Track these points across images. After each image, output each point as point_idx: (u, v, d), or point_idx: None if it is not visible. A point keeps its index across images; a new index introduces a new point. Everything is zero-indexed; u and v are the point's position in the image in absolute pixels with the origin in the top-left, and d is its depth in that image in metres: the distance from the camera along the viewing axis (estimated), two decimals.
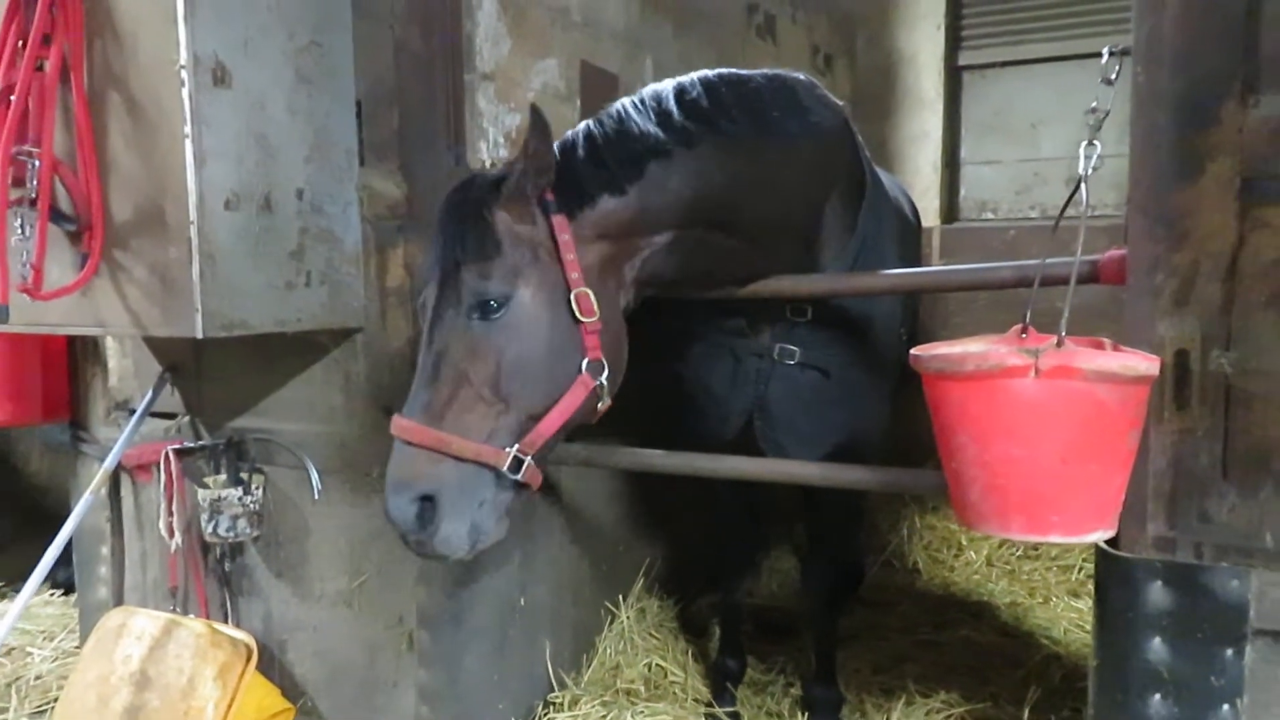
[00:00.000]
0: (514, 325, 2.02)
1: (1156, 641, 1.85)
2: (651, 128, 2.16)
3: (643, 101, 2.22)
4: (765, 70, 2.39)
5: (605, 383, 2.12)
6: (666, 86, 2.25)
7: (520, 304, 2.03)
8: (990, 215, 6.37)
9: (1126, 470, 1.75)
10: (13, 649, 3.56)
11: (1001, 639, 3.77)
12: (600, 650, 3.37)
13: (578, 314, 2.06)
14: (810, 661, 3.20)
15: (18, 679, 3.46)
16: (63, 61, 2.33)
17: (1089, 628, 3.74)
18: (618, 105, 2.24)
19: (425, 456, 2.00)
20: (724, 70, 2.32)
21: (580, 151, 2.16)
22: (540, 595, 3.13)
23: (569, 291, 2.07)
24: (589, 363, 2.09)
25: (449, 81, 2.67)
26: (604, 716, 2.94)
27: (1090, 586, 4.11)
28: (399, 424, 2.03)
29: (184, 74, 2.26)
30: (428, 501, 2.00)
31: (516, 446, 2.03)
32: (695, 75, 2.28)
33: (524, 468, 2.04)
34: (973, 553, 4.61)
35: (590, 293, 2.07)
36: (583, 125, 2.23)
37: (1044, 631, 3.82)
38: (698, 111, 2.20)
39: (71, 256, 2.45)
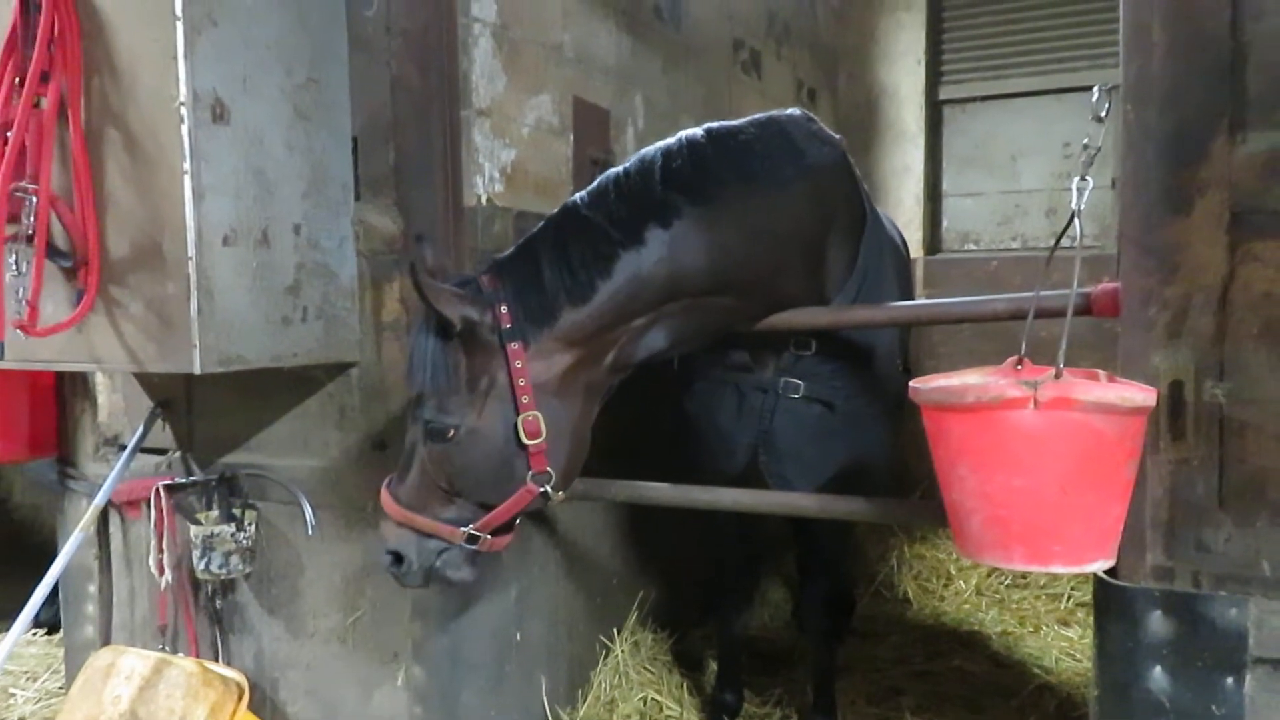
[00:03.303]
0: (461, 446, 2.21)
1: (1157, 671, 1.87)
2: (625, 212, 2.22)
3: (628, 174, 2.29)
4: (758, 116, 2.43)
5: (551, 489, 2.25)
6: (655, 153, 2.31)
7: (467, 431, 2.20)
8: (972, 246, 6.46)
9: (1125, 500, 1.77)
10: None
11: (994, 668, 3.78)
12: (595, 685, 3.35)
13: (523, 438, 2.18)
14: (807, 693, 3.19)
15: None
16: (61, 98, 2.33)
17: (1080, 656, 3.78)
18: (602, 181, 2.30)
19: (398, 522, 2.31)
20: (714, 126, 2.37)
21: (545, 259, 2.22)
22: (536, 630, 3.11)
23: (517, 416, 2.17)
24: (533, 474, 2.23)
25: (445, 117, 2.69)
26: None
27: (1080, 615, 4.16)
28: (382, 494, 2.32)
29: (183, 110, 2.26)
30: (396, 554, 2.31)
31: (471, 526, 2.25)
32: (685, 136, 2.33)
33: (479, 542, 2.27)
34: (962, 582, 4.62)
35: (539, 415, 2.18)
36: (555, 214, 2.30)
37: (1035, 660, 3.83)
38: (680, 182, 2.25)
39: (67, 292, 2.43)
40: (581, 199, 2.29)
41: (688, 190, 2.24)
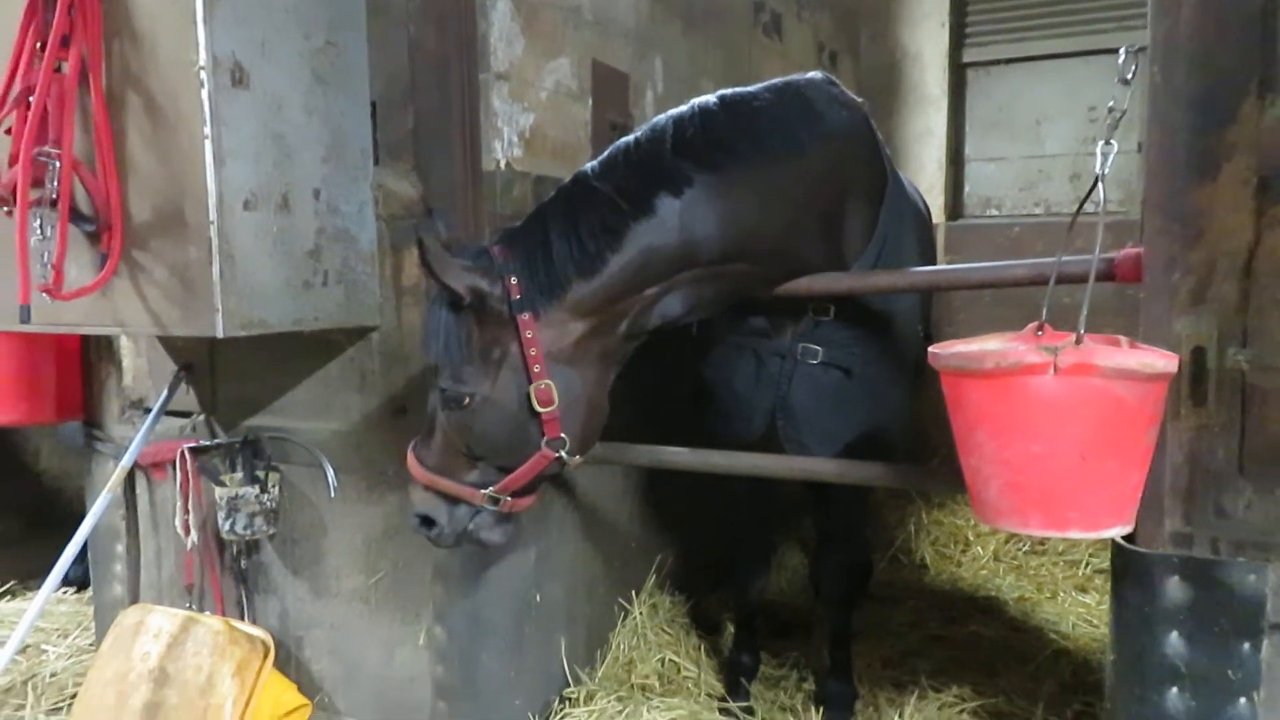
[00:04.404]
0: (477, 414, 2.26)
1: (1174, 636, 1.87)
2: (635, 182, 2.22)
3: (638, 144, 2.29)
4: (775, 81, 2.41)
5: (566, 454, 2.29)
6: (667, 121, 2.31)
7: (481, 400, 2.25)
8: (995, 212, 6.39)
9: (1144, 466, 1.76)
10: (28, 646, 3.57)
11: (1010, 634, 3.79)
12: (614, 646, 3.39)
13: (536, 406, 2.22)
14: (823, 657, 3.22)
15: (33, 676, 3.47)
16: (81, 63, 2.34)
17: (1097, 622, 3.79)
18: (614, 150, 2.30)
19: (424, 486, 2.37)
20: (728, 92, 2.35)
21: (554, 230, 2.23)
22: (555, 592, 3.14)
23: (529, 384, 2.20)
24: (548, 440, 2.27)
25: (464, 81, 2.68)
26: (620, 711, 2.96)
27: (1098, 581, 4.17)
28: (409, 457, 2.37)
29: (203, 75, 2.26)
30: (425, 517, 2.38)
31: (492, 488, 2.31)
32: (698, 103, 2.32)
33: (501, 503, 2.33)
34: (980, 548, 4.63)
35: (551, 384, 2.21)
36: (566, 184, 2.31)
37: (1052, 626, 3.84)
38: (692, 150, 2.24)
39: (91, 256, 2.45)
40: (592, 169, 2.30)
41: (699, 158, 2.23)
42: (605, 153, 2.33)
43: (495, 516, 2.37)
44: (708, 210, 2.24)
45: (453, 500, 2.34)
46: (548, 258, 2.21)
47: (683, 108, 2.33)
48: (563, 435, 2.26)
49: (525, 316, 2.19)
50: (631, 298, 2.27)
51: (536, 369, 2.20)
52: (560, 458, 2.29)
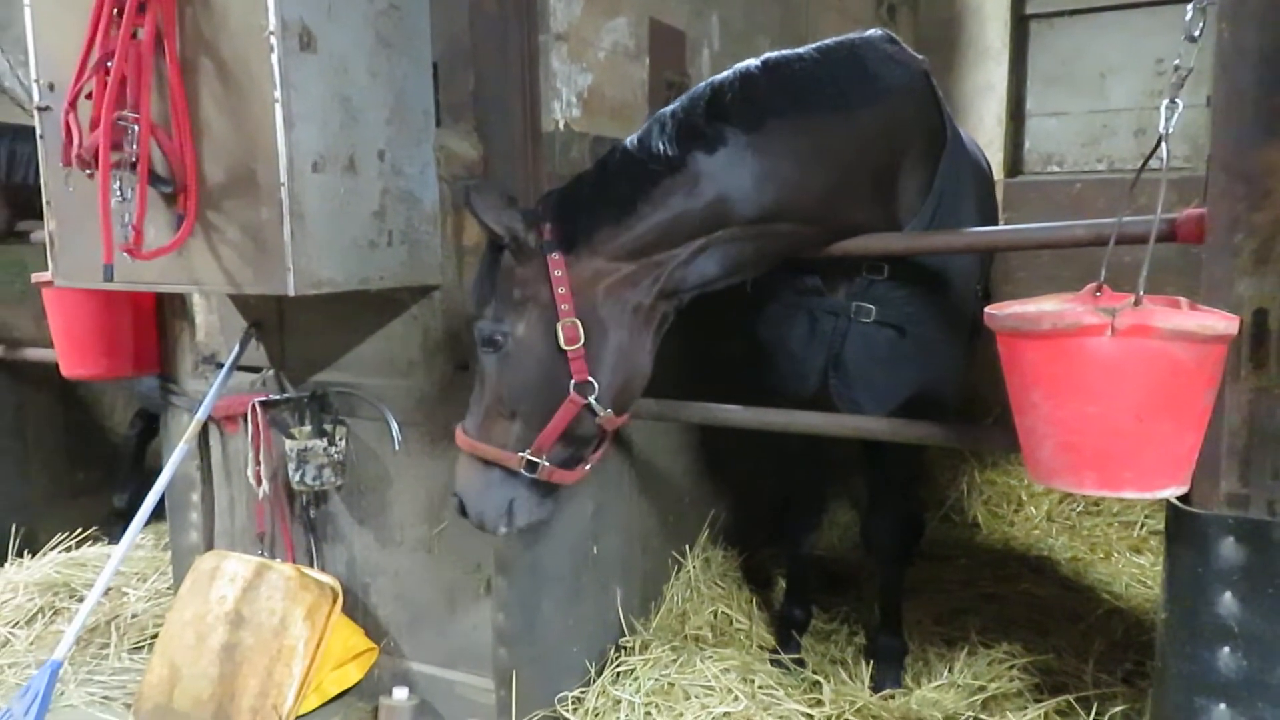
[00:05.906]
0: (510, 356, 2.33)
1: (1227, 596, 1.89)
2: (668, 142, 2.27)
3: (673, 113, 2.33)
4: (827, 41, 2.41)
5: (595, 402, 2.30)
6: (705, 87, 2.35)
7: (513, 339, 2.32)
8: (1056, 168, 6.26)
9: (1201, 428, 1.77)
10: (110, 589, 3.75)
11: (1062, 593, 3.80)
12: (668, 598, 3.47)
13: (562, 343, 2.26)
14: (874, 612, 3.27)
15: (116, 617, 3.66)
16: (156, 29, 2.41)
17: (1151, 583, 3.78)
18: (652, 119, 2.36)
19: (464, 461, 2.44)
20: (772, 55, 2.37)
21: (588, 183, 2.34)
22: (611, 545, 3.22)
23: (557, 321, 2.26)
24: (576, 384, 2.29)
25: (523, 42, 2.71)
26: (674, 661, 3.03)
27: (1153, 543, 4.15)
28: (456, 431, 2.43)
29: (272, 39, 2.32)
30: (464, 506, 2.45)
31: (528, 451, 2.33)
32: (740, 67, 2.36)
33: (539, 469, 2.35)
34: (1032, 508, 4.62)
35: (577, 322, 2.26)
36: (605, 153, 2.40)
37: (1105, 586, 3.84)
38: (729, 112, 2.27)
39: (167, 217, 2.55)
40: (631, 140, 2.36)
41: (736, 120, 2.27)
42: (644, 124, 2.38)
43: (533, 495, 2.41)
44: (743, 168, 2.27)
45: (491, 473, 2.38)
46: (579, 207, 2.30)
47: (725, 73, 2.36)
48: (590, 380, 2.29)
49: (555, 256, 2.27)
50: (664, 251, 2.31)
51: (564, 307, 2.26)
52: (589, 406, 2.31)
